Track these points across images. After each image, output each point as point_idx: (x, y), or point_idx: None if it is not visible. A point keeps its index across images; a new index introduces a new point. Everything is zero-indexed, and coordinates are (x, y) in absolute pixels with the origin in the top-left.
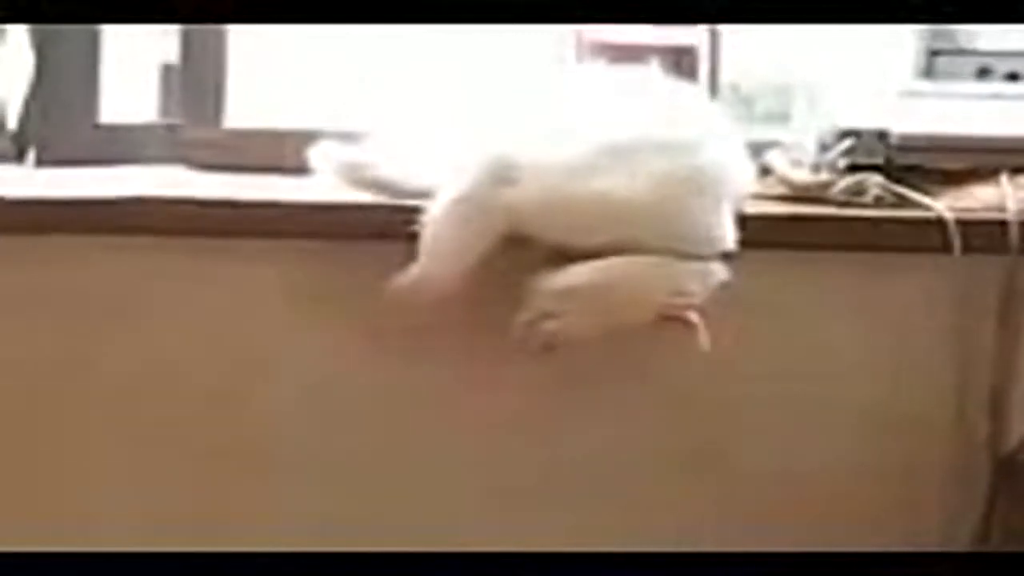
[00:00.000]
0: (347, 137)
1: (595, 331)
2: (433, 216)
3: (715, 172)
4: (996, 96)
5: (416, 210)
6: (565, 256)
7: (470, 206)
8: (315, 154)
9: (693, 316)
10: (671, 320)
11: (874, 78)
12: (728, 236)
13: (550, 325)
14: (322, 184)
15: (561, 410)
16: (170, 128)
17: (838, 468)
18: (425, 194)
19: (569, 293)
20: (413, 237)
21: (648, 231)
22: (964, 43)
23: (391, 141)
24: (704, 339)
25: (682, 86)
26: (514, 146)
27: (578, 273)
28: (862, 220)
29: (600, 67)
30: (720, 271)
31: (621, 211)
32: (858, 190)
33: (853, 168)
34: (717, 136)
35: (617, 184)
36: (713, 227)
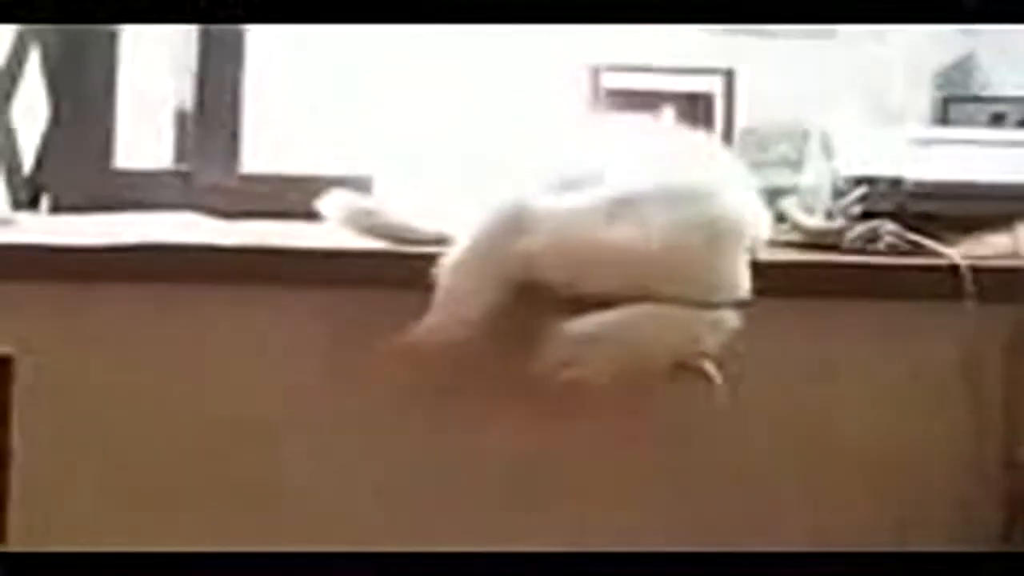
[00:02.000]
0: (360, 183)
1: (611, 378)
2: (448, 264)
3: (730, 221)
4: (1010, 143)
5: (431, 257)
6: (579, 304)
7: (485, 255)
8: (325, 203)
9: (710, 367)
10: (687, 371)
11: (888, 125)
12: (743, 285)
13: (567, 371)
14: (336, 231)
15: (575, 453)
16: (185, 174)
17: (852, 515)
18: (437, 241)
19: (587, 340)
20: (428, 285)
21: (662, 280)
22: (978, 89)
23: (402, 188)
24: (719, 389)
25: (697, 134)
26: (528, 194)
27: (596, 321)
28: (875, 267)
29: (615, 115)
30: (733, 319)
31: (635, 260)
32: (871, 237)
33: (867, 215)
34: (732, 184)
35: (631, 233)
36: (728, 276)
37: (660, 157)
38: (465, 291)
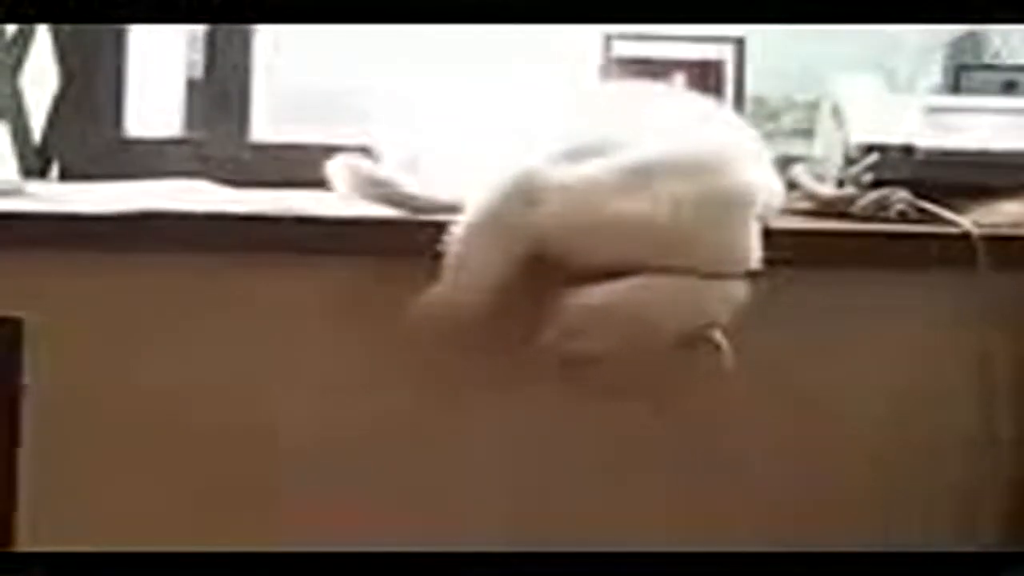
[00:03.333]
0: (370, 151)
1: (620, 349)
2: (458, 236)
3: (741, 192)
4: (1022, 111)
5: (442, 226)
6: (589, 275)
7: (495, 226)
8: (333, 168)
9: (718, 337)
10: (697, 342)
11: (900, 93)
12: (753, 255)
13: (576, 342)
14: (346, 199)
15: (582, 426)
16: (195, 142)
17: (861, 483)
18: (446, 209)
19: (596, 311)
20: (440, 254)
21: (671, 251)
22: (990, 58)
23: (412, 155)
24: (729, 360)
25: (710, 102)
26: (538, 163)
27: (605, 291)
28: (887, 235)
29: (627, 83)
30: (743, 290)
31: (644, 231)
32: (883, 205)
33: (878, 183)
34: (745, 153)
35: (641, 204)
36: (738, 247)
37: (672, 126)
38: (474, 261)
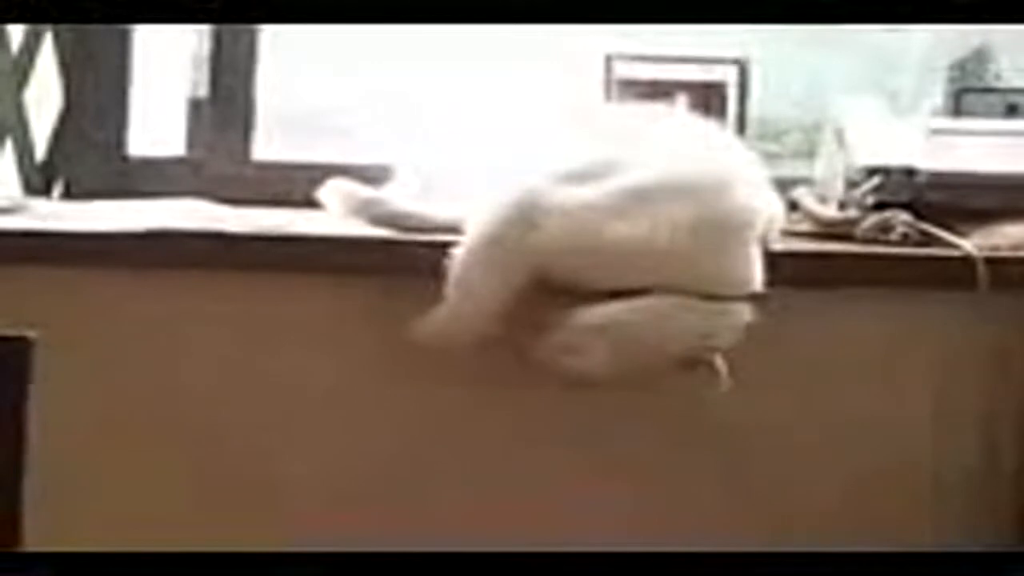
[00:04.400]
0: (372, 171)
1: (619, 369)
2: (458, 259)
3: (741, 214)
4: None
5: (443, 244)
6: (589, 297)
7: (495, 250)
8: (324, 193)
9: (717, 360)
10: (696, 365)
11: (902, 115)
12: (756, 278)
13: (574, 361)
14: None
15: (581, 447)
16: (197, 162)
17: (863, 503)
18: (444, 228)
19: (596, 329)
20: (439, 273)
21: (672, 274)
22: (992, 80)
23: (410, 176)
24: (725, 383)
25: (710, 124)
26: (538, 186)
27: (602, 311)
28: (889, 258)
29: (628, 105)
30: (746, 313)
31: (645, 255)
32: (885, 227)
33: (880, 205)
34: (745, 176)
35: (640, 227)
36: (738, 270)
37: (672, 148)
38: (475, 285)
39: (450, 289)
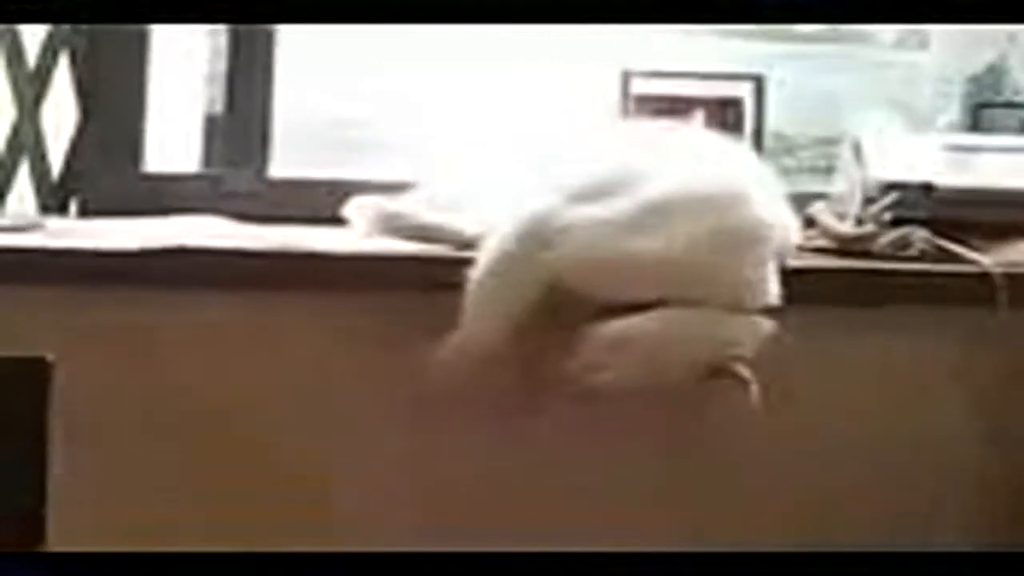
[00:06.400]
0: (389, 187)
1: (644, 383)
2: (475, 277)
3: (755, 228)
4: None
5: (462, 260)
6: (608, 312)
7: (511, 268)
8: (351, 208)
9: (744, 371)
10: (721, 375)
11: (919, 131)
12: (772, 290)
13: (599, 376)
14: (366, 236)
15: (603, 461)
16: (214, 178)
17: (881, 516)
18: (468, 243)
19: (620, 344)
20: (457, 287)
21: (689, 288)
22: (1009, 96)
23: (431, 191)
24: (755, 394)
25: (725, 139)
26: (552, 204)
27: (629, 324)
28: (906, 274)
29: (645, 120)
30: (766, 324)
31: (661, 269)
32: (902, 244)
33: (898, 222)
34: (760, 191)
35: (656, 242)
36: (754, 283)
37: (687, 162)
38: (491, 303)
39: (467, 309)
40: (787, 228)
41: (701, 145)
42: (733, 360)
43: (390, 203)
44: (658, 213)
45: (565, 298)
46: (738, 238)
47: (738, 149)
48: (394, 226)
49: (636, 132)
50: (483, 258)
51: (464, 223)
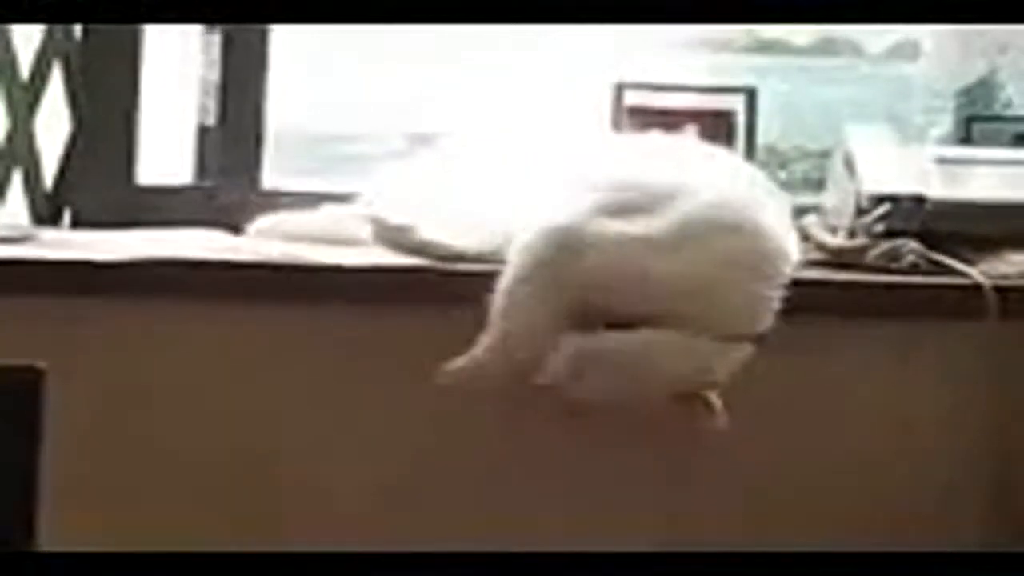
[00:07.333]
0: (386, 197)
1: (616, 398)
2: (505, 287)
3: (776, 259)
4: None
5: (462, 274)
6: (599, 322)
7: (545, 276)
8: (355, 219)
9: (713, 398)
10: (691, 400)
11: (911, 144)
12: (770, 319)
13: (572, 387)
14: (362, 247)
15: (576, 472)
16: (206, 190)
17: (871, 531)
18: (463, 257)
19: (594, 357)
20: (456, 299)
21: (701, 310)
22: (1000, 109)
23: (427, 204)
24: (722, 421)
25: (737, 157)
26: (580, 216)
27: (606, 339)
28: (898, 286)
29: (645, 137)
30: (747, 352)
31: (683, 290)
32: (894, 256)
33: (889, 234)
34: (780, 221)
35: (685, 264)
36: (760, 311)
37: (713, 183)
38: (522, 313)
39: (495, 318)
40: (793, 253)
41: (720, 163)
42: (706, 386)
43: (394, 216)
44: (687, 234)
45: (582, 309)
46: (758, 267)
47: (750, 169)
48: (398, 241)
49: (648, 146)
50: (512, 267)
51: (467, 240)
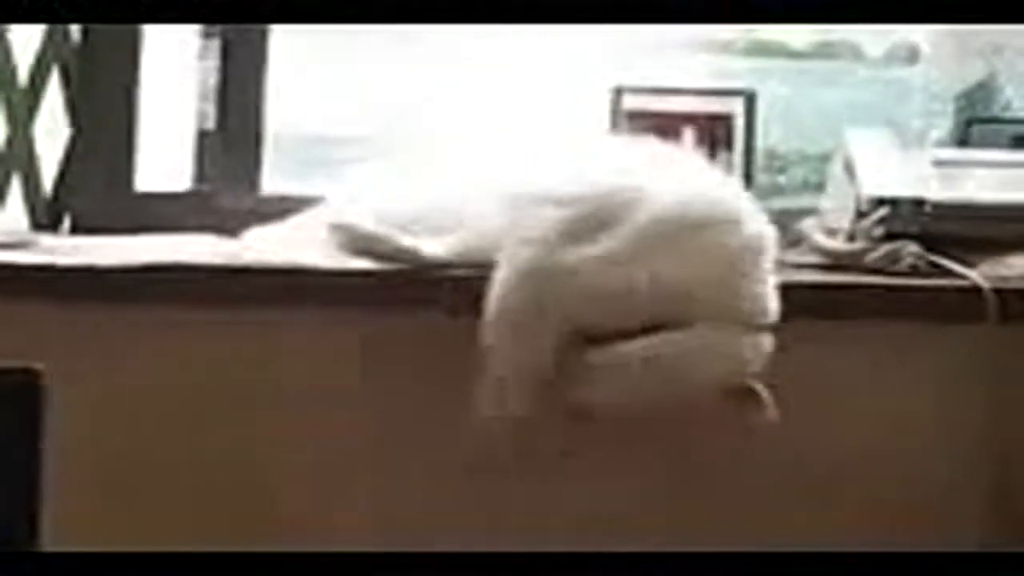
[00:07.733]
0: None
1: (649, 405)
2: (491, 331)
3: (757, 244)
4: None
5: (457, 279)
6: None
7: (530, 324)
8: (329, 228)
9: (759, 387)
10: (738, 393)
11: (910, 146)
12: (773, 307)
13: (608, 398)
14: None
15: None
16: (206, 194)
17: (870, 532)
18: (446, 263)
19: (624, 367)
20: (456, 304)
21: (701, 308)
22: (999, 111)
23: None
24: (771, 409)
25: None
26: (552, 242)
27: (633, 347)
28: (897, 289)
29: (636, 141)
30: (768, 342)
31: (672, 292)
32: (893, 259)
33: (888, 236)
34: (748, 206)
35: (663, 266)
36: (760, 298)
37: (670, 183)
38: (514, 356)
39: (489, 364)
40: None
41: (677, 162)
42: (745, 378)
43: (360, 223)
44: (657, 238)
45: (576, 334)
46: (740, 255)
47: (704, 164)
48: (365, 248)
49: (629, 151)
50: (495, 310)
51: (448, 246)
